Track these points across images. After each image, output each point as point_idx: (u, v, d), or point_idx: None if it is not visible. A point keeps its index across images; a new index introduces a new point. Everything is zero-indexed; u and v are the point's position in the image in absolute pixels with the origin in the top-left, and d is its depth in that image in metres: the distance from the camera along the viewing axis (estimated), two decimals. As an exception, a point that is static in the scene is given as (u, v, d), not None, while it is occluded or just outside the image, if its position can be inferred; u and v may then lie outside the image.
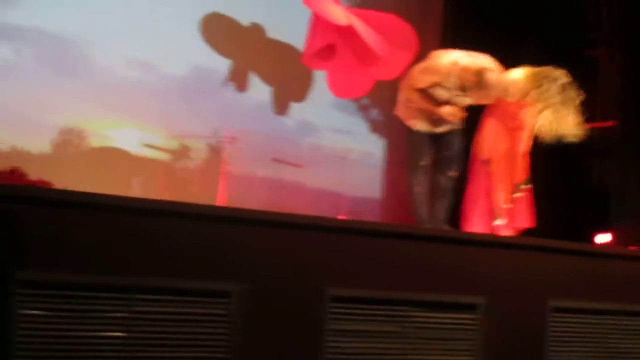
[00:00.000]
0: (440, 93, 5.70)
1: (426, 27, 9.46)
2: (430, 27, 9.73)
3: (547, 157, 7.47)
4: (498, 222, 5.98)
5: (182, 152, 8.54)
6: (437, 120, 5.83)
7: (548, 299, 5.11)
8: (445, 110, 5.66)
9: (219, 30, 8.98)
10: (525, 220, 6.10)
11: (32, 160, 7.99)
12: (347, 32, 7.39)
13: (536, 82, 5.62)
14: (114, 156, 8.64)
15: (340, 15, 7.29)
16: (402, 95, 5.99)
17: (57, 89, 8.06)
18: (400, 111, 5.99)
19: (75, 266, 3.75)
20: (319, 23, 7.48)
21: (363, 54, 7.55)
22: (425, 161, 5.87)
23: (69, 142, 8.42)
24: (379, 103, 10.46)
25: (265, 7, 8.90)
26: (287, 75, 9.37)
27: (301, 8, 7.52)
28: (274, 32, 9.21)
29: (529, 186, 6.15)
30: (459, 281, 4.85)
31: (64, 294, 3.72)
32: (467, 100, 5.76)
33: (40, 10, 7.94)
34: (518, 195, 6.04)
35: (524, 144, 6.08)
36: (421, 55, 7.73)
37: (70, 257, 3.75)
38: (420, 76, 5.73)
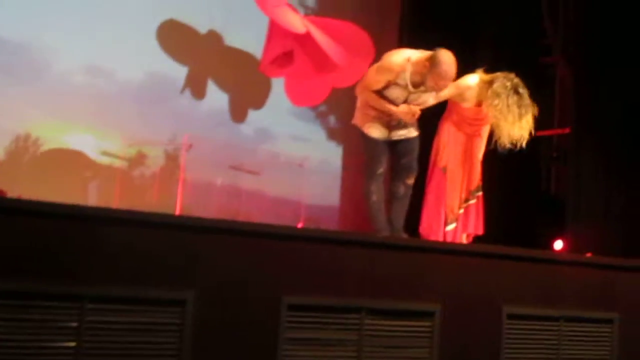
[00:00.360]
0: (396, 93, 5.71)
1: (383, 34, 9.51)
2: (387, 34, 9.77)
3: (502, 164, 7.56)
4: (450, 227, 6.07)
5: (138, 160, 8.48)
6: (394, 126, 5.86)
7: (503, 305, 5.14)
8: (401, 109, 5.70)
9: (175, 37, 8.94)
10: (475, 227, 6.20)
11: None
12: (305, 40, 7.41)
13: (489, 87, 5.78)
14: (69, 163, 8.57)
15: (298, 22, 7.31)
16: (359, 102, 6.00)
17: (10, 95, 7.96)
18: (358, 119, 6.00)
19: (26, 274, 3.69)
20: (277, 30, 7.49)
21: (320, 61, 7.56)
22: (382, 169, 5.88)
23: (23, 148, 8.32)
24: (337, 110, 10.48)
25: (223, 14, 8.88)
26: (245, 82, 9.36)
27: (259, 15, 7.53)
28: (231, 40, 9.20)
29: (481, 193, 6.23)
30: (415, 289, 4.86)
31: (15, 303, 3.66)
32: (423, 98, 5.78)
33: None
34: (471, 202, 6.10)
35: (480, 151, 6.18)
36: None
37: (22, 265, 3.69)
38: (375, 77, 5.74)
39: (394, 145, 5.93)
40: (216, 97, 9.13)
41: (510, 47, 9.40)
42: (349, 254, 4.68)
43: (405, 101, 5.73)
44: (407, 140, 5.92)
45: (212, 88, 9.19)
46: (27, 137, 8.29)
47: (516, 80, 5.85)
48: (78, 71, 8.37)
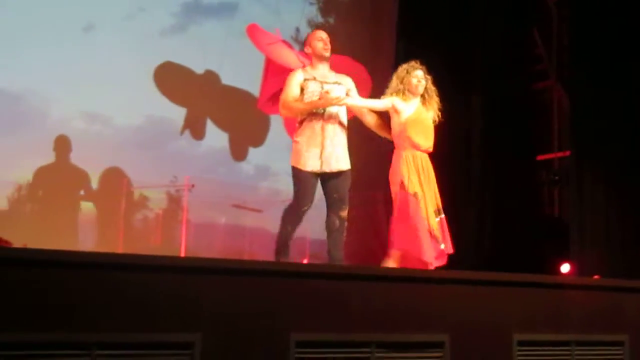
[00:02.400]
0: (312, 87, 6.17)
1: (377, 63, 9.56)
2: (381, 64, 9.83)
3: (503, 188, 7.57)
4: (442, 246, 6.09)
5: (140, 202, 8.50)
6: (327, 156, 6.07)
7: (513, 332, 5.12)
8: (324, 97, 6.05)
9: (172, 79, 9.01)
10: (451, 245, 6.22)
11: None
12: (301, 76, 7.43)
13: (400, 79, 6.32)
14: (70, 209, 8.58)
15: (293, 59, 7.32)
16: (293, 138, 6.30)
17: (9, 144, 8.00)
18: (293, 160, 6.20)
19: (33, 324, 3.69)
20: (272, 68, 7.49)
21: (317, 96, 7.59)
22: (307, 207, 6.10)
23: (25, 197, 8.35)
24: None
25: (218, 53, 8.93)
26: (243, 120, 9.40)
27: (254, 53, 7.57)
28: (228, 78, 9.25)
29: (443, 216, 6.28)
30: (424, 319, 4.84)
31: (24, 354, 3.65)
32: (337, 91, 6.16)
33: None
34: (438, 220, 6.19)
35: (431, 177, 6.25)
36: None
37: (28, 315, 3.69)
38: (286, 97, 6.23)
39: (326, 180, 6.14)
40: (215, 137, 9.18)
41: (503, 75, 9.46)
42: (355, 287, 4.67)
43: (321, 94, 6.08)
44: (337, 176, 6.14)
45: (211, 128, 9.23)
46: (28, 185, 8.33)
47: (420, 68, 6.32)
48: (76, 118, 8.43)
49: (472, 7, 9.75)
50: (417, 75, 6.29)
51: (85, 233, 8.66)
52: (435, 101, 6.34)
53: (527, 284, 5.31)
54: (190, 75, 9.08)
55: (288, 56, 7.33)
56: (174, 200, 8.79)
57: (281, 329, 4.34)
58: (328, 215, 6.15)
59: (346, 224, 6.17)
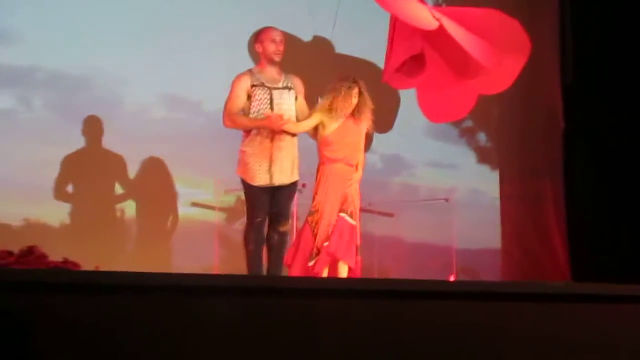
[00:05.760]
0: (260, 95, 7.13)
1: (538, 22, 9.49)
2: (544, 23, 9.75)
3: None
4: (311, 262, 7.08)
5: (238, 209, 8.64)
6: (274, 171, 7.10)
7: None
8: (271, 118, 7.02)
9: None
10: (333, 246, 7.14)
11: (52, 234, 8.16)
12: (438, 38, 7.41)
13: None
14: (150, 220, 8.78)
15: (427, 16, 7.29)
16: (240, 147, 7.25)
17: (75, 140, 8.23)
18: (239, 170, 7.23)
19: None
20: (400, 29, 7.53)
21: (460, 63, 7.57)
22: (260, 218, 7.14)
23: (95, 207, 8.52)
24: (487, 124, 10.45)
25: (328, 15, 8.96)
26: (365, 98, 9.43)
27: (375, 12, 7.59)
28: (342, 46, 9.28)
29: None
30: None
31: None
32: (286, 101, 7.20)
33: (45, 45, 8.17)
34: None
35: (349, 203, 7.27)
36: (535, 57, 7.79)
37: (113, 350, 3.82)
38: (232, 107, 7.14)
39: (269, 195, 7.18)
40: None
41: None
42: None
43: (272, 104, 7.14)
44: (278, 190, 7.21)
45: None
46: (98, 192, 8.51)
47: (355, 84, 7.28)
48: (154, 104, 8.61)
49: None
50: (351, 99, 7.28)
51: (168, 249, 8.84)
52: (367, 116, 7.34)
53: None
54: (294, 43, 9.15)
55: (420, 13, 7.32)
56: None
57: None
58: (267, 231, 7.22)
59: (288, 238, 7.31)
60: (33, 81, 8.20)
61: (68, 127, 8.27)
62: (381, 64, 8.01)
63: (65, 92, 8.35)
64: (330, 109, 7.27)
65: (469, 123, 10.14)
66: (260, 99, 7.15)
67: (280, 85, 7.25)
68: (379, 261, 8.96)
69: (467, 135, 10.25)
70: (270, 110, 7.10)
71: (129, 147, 8.39)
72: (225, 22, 8.75)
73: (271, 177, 7.11)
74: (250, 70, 7.29)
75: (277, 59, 7.27)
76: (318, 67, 9.06)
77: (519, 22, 7.62)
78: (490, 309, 4.62)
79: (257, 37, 7.34)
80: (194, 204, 8.85)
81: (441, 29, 7.21)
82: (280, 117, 7.04)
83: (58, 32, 8.16)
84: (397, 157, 9.61)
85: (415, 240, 9.48)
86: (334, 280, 6.37)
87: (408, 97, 8.70)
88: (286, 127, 7.12)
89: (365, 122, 7.34)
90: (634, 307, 5.00)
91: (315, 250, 7.08)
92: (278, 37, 7.29)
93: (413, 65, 7.72)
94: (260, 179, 7.11)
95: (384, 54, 7.80)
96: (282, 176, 7.15)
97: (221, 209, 8.91)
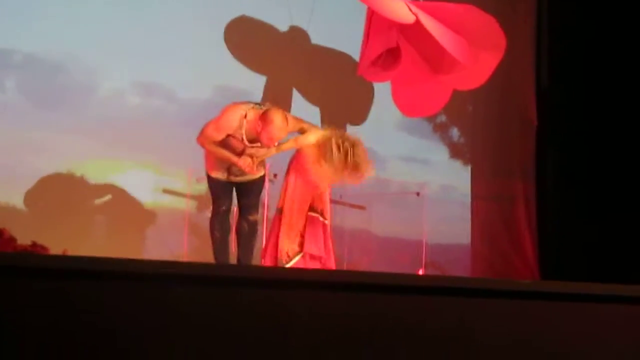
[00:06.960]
0: (234, 144, 7.08)
1: (516, 22, 9.52)
2: (522, 23, 9.79)
3: None
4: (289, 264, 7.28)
5: (209, 197, 8.64)
6: (235, 171, 7.25)
7: None
8: (242, 161, 7.10)
9: (248, 39, 9.06)
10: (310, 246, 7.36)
11: (20, 218, 8.14)
12: (414, 32, 7.43)
13: (323, 146, 7.17)
14: (122, 207, 8.76)
15: (404, 10, 7.31)
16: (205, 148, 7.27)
17: (48, 126, 8.21)
18: (204, 161, 7.37)
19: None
20: (377, 22, 7.54)
21: (436, 58, 7.60)
22: (225, 207, 7.42)
23: (64, 192, 8.51)
24: (461, 120, 10.49)
25: (305, 5, 8.96)
26: (339, 90, 9.43)
27: (352, 4, 7.61)
28: (318, 37, 9.28)
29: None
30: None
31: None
32: (262, 151, 7.17)
33: (19, 29, 8.13)
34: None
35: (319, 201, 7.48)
36: (510, 55, 7.82)
37: (75, 345, 3.81)
38: (213, 133, 7.02)
39: (238, 185, 7.39)
40: (303, 112, 9.19)
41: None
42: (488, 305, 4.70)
43: (243, 152, 7.10)
44: (248, 182, 7.37)
45: (298, 100, 9.29)
46: (67, 177, 8.49)
47: (347, 143, 7.22)
48: (128, 92, 8.60)
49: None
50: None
51: (140, 236, 8.84)
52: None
53: None
54: (269, 33, 9.15)
55: (397, 6, 7.33)
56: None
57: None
58: (238, 220, 7.50)
59: (257, 227, 7.61)
60: (7, 64, 8.16)
61: (41, 111, 8.24)
62: (356, 57, 8.03)
63: (39, 77, 8.33)
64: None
65: (442, 118, 10.18)
66: (236, 147, 7.05)
67: (257, 145, 7.11)
68: (349, 254, 8.99)
69: (441, 130, 10.28)
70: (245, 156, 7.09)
71: (102, 132, 8.35)
72: (201, 9, 8.72)
73: (228, 175, 7.28)
74: (242, 122, 7.00)
75: (268, 146, 7.14)
76: (293, 57, 9.06)
77: (495, 19, 7.65)
78: (456, 304, 4.64)
79: (268, 126, 6.95)
80: (165, 191, 8.85)
81: (418, 23, 7.23)
82: (250, 165, 7.09)
83: (34, 16, 8.12)
84: (369, 151, 9.60)
85: (386, 234, 9.51)
86: (303, 271, 6.38)
87: (382, 91, 8.71)
88: (272, 151, 7.23)
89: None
90: (601, 306, 5.03)
91: (292, 252, 7.27)
92: (279, 135, 7.07)
93: (388, 58, 7.73)
94: (218, 174, 7.29)
95: (359, 47, 7.82)
96: (241, 173, 7.23)
97: (192, 197, 8.90)
